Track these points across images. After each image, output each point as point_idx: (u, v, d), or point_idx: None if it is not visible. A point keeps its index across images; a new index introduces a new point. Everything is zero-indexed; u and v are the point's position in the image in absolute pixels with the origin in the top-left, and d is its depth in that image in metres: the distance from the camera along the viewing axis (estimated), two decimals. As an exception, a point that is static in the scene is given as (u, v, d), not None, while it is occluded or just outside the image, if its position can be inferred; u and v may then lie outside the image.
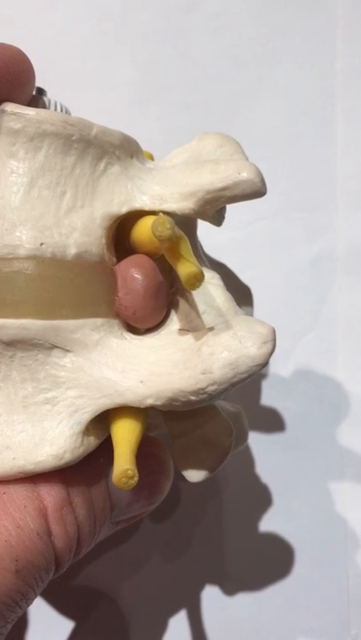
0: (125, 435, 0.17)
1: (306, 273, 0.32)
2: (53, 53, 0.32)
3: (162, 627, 0.28)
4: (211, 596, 0.29)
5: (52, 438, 0.17)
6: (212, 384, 0.16)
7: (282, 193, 0.32)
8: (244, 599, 0.29)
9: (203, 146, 0.21)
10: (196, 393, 0.16)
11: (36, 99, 0.20)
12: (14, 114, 0.17)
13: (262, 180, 0.18)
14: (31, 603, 0.17)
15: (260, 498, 0.30)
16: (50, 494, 0.17)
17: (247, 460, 0.30)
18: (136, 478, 0.16)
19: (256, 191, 0.18)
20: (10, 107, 0.18)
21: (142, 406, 0.17)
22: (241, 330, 0.17)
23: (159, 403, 0.17)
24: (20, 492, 0.17)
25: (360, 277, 0.32)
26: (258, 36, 0.33)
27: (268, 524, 0.30)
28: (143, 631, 0.28)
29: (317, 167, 0.33)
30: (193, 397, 0.16)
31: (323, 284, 0.32)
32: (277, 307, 0.31)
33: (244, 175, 0.18)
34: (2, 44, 0.18)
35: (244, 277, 0.27)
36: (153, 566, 0.29)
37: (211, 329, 0.17)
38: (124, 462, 0.16)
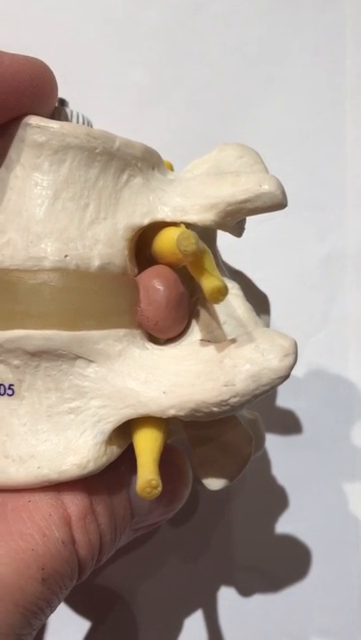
0: (148, 444, 0.18)
1: (316, 272, 0.32)
2: (60, 55, 0.32)
3: (177, 628, 0.28)
4: (225, 596, 0.29)
5: (75, 448, 0.17)
6: (235, 396, 0.16)
7: (292, 192, 0.32)
8: (257, 599, 0.29)
9: (223, 157, 0.21)
10: (218, 405, 0.17)
11: (59, 110, 0.20)
12: (39, 127, 0.18)
13: (283, 193, 0.19)
14: (55, 609, 0.18)
15: (273, 498, 0.30)
16: (73, 503, 0.17)
17: (259, 460, 0.30)
18: (160, 488, 0.17)
19: (277, 203, 0.19)
20: (34, 120, 0.18)
21: (165, 416, 0.17)
22: (263, 342, 0.17)
23: (182, 413, 0.17)
24: (45, 501, 0.17)
25: (371, 276, 0.32)
26: (266, 35, 0.33)
27: (280, 524, 0.30)
28: (158, 632, 0.28)
29: (327, 165, 0.33)
30: (215, 409, 0.17)
31: (333, 283, 0.32)
32: (288, 306, 0.31)
33: (266, 188, 0.18)
34: (26, 56, 0.18)
35: (255, 277, 0.27)
36: (170, 568, 0.29)
37: (232, 341, 0.18)
38: (147, 473, 0.17)
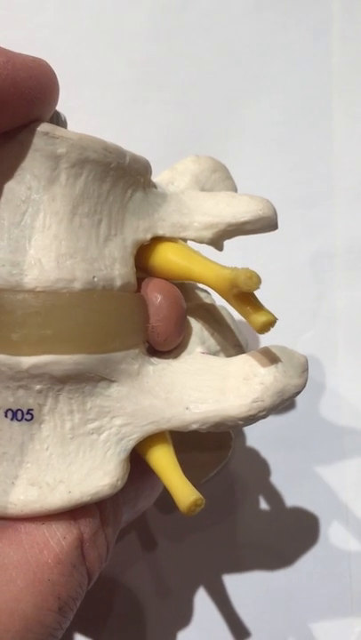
0: (167, 461, 0.18)
1: (305, 270, 0.32)
2: (47, 53, 0.31)
3: (166, 620, 0.28)
4: (213, 594, 0.29)
5: (103, 468, 0.17)
6: (262, 410, 0.17)
7: (280, 190, 0.32)
8: (245, 598, 0.29)
9: (200, 170, 0.22)
10: (245, 419, 0.18)
11: (56, 114, 0.19)
12: (56, 137, 0.17)
13: (276, 216, 0.20)
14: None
15: (262, 496, 0.30)
16: (87, 522, 0.17)
17: (249, 458, 0.30)
18: (204, 502, 0.17)
19: (272, 226, 0.20)
20: (50, 128, 0.17)
21: (186, 430, 0.18)
22: (283, 360, 0.18)
23: (204, 427, 0.18)
24: (59, 523, 0.17)
25: (360, 274, 0.32)
26: (253, 33, 0.33)
27: (269, 522, 0.29)
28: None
29: (315, 163, 0.33)
30: (241, 422, 0.18)
31: (322, 281, 0.32)
32: (277, 304, 0.31)
33: (266, 212, 0.20)
34: (34, 58, 0.17)
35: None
36: (161, 551, 0.29)
37: (247, 357, 0.18)
38: (190, 492, 0.17)
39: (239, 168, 0.32)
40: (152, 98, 0.32)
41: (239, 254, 0.30)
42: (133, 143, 0.32)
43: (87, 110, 0.32)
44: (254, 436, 0.30)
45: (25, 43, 0.32)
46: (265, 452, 0.30)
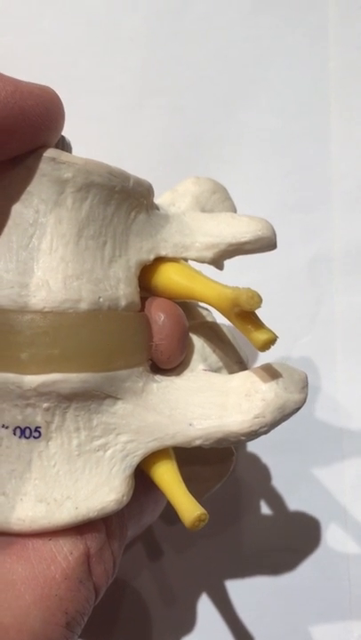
0: (171, 478, 0.19)
1: (303, 274, 0.32)
2: (43, 60, 0.32)
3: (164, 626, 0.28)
4: (215, 600, 0.29)
5: (109, 484, 0.18)
6: (264, 426, 0.18)
7: (277, 194, 0.32)
8: (245, 602, 0.29)
9: (200, 192, 0.23)
10: (247, 435, 0.18)
11: (61, 139, 0.19)
12: (62, 162, 0.17)
13: (275, 235, 0.21)
14: None
15: (261, 500, 0.30)
16: (93, 537, 0.18)
17: (248, 463, 0.30)
18: (208, 517, 0.18)
19: (271, 246, 0.21)
20: (56, 154, 0.17)
21: (190, 447, 0.18)
22: (284, 377, 0.18)
23: (207, 443, 0.18)
24: (66, 539, 0.17)
25: (358, 278, 0.32)
26: (250, 37, 0.33)
27: (268, 526, 0.30)
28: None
29: (312, 168, 0.33)
30: (243, 438, 0.18)
31: (320, 286, 0.32)
32: (275, 309, 0.31)
33: (265, 232, 0.20)
34: (41, 87, 0.17)
35: (241, 281, 0.27)
36: (164, 564, 0.29)
37: (249, 374, 0.19)
38: (194, 508, 0.18)
39: (236, 173, 0.32)
40: (149, 103, 0.32)
41: (237, 260, 0.31)
42: (130, 149, 0.33)
43: (84, 116, 0.32)
44: (254, 441, 0.30)
45: (23, 49, 0.32)
46: (264, 457, 0.30)
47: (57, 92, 0.18)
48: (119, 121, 0.32)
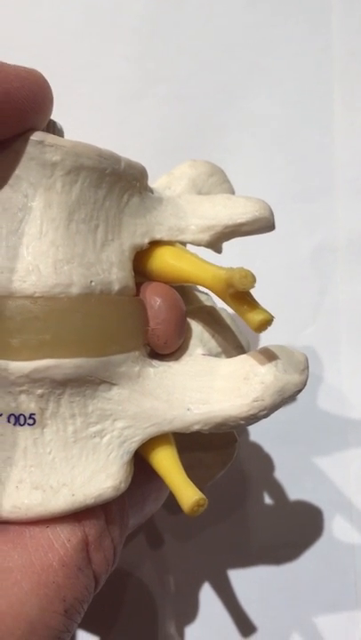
0: (170, 463, 0.18)
1: (306, 264, 0.32)
2: (43, 49, 0.32)
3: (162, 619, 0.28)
4: (218, 591, 0.29)
5: (106, 470, 0.18)
6: (263, 409, 0.18)
7: (280, 184, 0.32)
8: (250, 594, 0.29)
9: (197, 175, 0.22)
10: (247, 418, 0.18)
11: (52, 123, 0.19)
12: (50, 145, 0.17)
13: (273, 217, 0.20)
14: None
15: (265, 492, 0.30)
16: (91, 524, 0.17)
17: (252, 454, 0.30)
18: (207, 502, 0.17)
19: (269, 227, 0.20)
20: (43, 137, 0.17)
21: (188, 432, 0.18)
22: (282, 359, 0.18)
23: (206, 428, 0.18)
24: (63, 526, 0.17)
25: (361, 267, 0.31)
26: (251, 24, 0.33)
27: (273, 518, 0.29)
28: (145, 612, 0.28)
29: (315, 156, 0.32)
30: (243, 422, 0.18)
31: (324, 276, 0.31)
32: (278, 299, 0.31)
33: (263, 213, 0.20)
34: (27, 69, 0.17)
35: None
36: (166, 553, 0.29)
37: (247, 357, 0.18)
38: (192, 493, 0.17)
39: (238, 162, 0.32)
40: (149, 92, 0.32)
41: (239, 250, 0.30)
42: (131, 138, 0.32)
43: (84, 105, 0.32)
44: (257, 432, 0.30)
45: (19, 39, 0.32)
46: (268, 448, 0.30)
47: (47, 78, 0.18)
48: (119, 110, 0.32)
